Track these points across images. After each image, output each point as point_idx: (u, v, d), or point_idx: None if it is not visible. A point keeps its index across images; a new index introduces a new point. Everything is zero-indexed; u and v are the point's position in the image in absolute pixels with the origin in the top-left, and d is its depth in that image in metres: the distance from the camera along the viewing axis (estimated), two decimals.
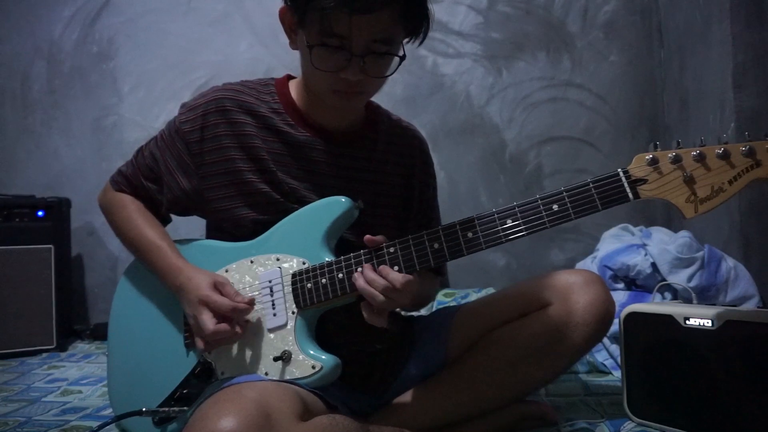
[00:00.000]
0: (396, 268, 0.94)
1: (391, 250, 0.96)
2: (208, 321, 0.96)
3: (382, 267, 0.93)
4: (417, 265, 0.94)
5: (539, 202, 0.90)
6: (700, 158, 0.83)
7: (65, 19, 2.58)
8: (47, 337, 2.10)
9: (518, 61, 2.37)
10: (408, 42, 1.00)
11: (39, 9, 2.58)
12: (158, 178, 1.12)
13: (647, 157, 0.85)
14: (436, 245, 0.93)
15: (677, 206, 0.84)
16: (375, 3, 0.89)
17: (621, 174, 0.86)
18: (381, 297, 0.91)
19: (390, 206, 1.13)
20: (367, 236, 0.95)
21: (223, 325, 0.96)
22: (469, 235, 0.92)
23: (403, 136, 1.18)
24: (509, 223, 0.91)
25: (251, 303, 0.99)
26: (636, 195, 0.85)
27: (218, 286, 1.00)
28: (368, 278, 0.92)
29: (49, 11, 2.58)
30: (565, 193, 0.89)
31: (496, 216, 0.92)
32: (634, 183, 0.86)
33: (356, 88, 0.98)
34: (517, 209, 0.91)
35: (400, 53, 0.98)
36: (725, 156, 0.81)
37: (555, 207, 0.89)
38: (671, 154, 0.84)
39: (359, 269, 0.95)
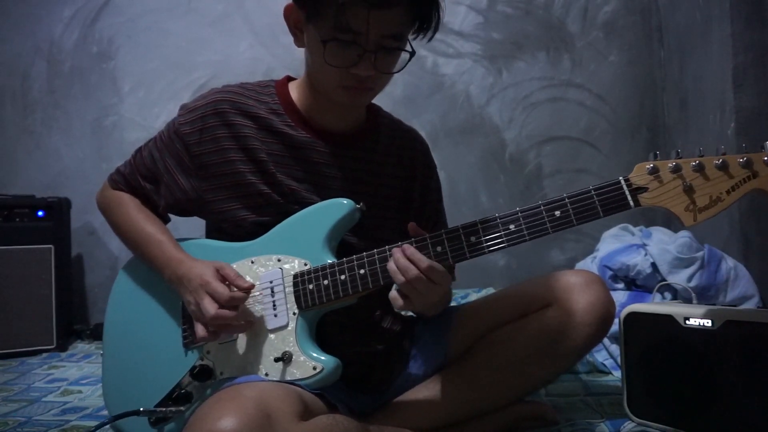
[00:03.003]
0: None
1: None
2: (209, 305, 0.95)
3: (412, 251, 0.91)
4: None
5: (542, 208, 0.91)
6: (699, 168, 0.84)
7: (65, 19, 2.58)
8: (47, 337, 2.10)
9: (518, 61, 2.37)
10: (415, 38, 1.00)
11: (39, 9, 2.58)
12: (156, 178, 1.12)
13: (648, 166, 0.87)
14: (439, 248, 0.94)
15: (677, 214, 0.86)
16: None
17: (622, 182, 0.88)
18: (402, 278, 0.89)
19: (390, 208, 1.13)
20: (412, 224, 0.95)
21: (225, 311, 0.95)
22: (472, 239, 0.93)
23: (405, 138, 1.18)
24: (512, 228, 0.92)
25: (249, 289, 0.99)
26: (637, 203, 0.87)
27: (219, 271, 1.00)
28: (395, 258, 0.91)
29: (49, 11, 2.58)
30: (567, 200, 0.90)
31: (499, 221, 0.93)
32: (635, 191, 0.87)
33: (366, 84, 0.98)
34: (520, 215, 0.92)
35: (409, 49, 0.99)
36: (723, 167, 0.83)
37: (557, 213, 0.90)
38: (671, 164, 0.85)
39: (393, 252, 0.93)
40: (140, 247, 1.10)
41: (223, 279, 0.99)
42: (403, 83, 2.37)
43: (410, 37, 1.00)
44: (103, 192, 1.19)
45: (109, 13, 2.56)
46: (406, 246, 0.92)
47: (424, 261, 0.89)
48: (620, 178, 0.88)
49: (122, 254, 2.44)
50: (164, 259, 1.05)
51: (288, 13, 1.01)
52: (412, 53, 0.98)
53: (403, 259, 0.90)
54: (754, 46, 1.65)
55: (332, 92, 1.01)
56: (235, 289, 0.98)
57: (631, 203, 0.87)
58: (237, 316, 0.97)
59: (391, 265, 0.91)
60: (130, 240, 1.13)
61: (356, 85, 0.98)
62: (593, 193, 0.88)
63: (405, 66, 1.00)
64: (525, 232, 0.91)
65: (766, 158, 0.81)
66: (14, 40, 2.59)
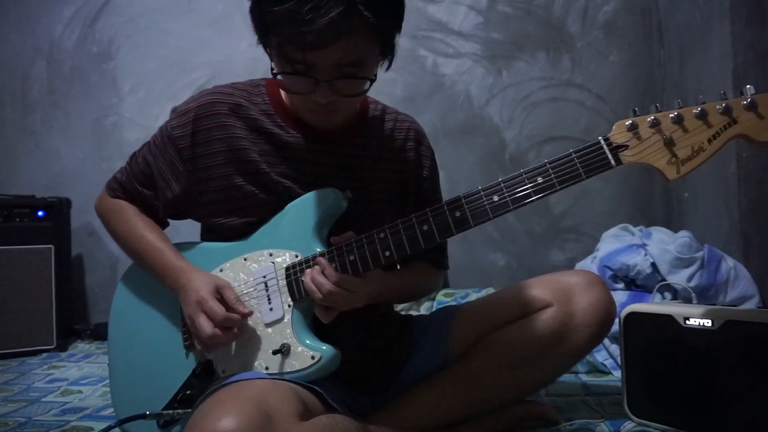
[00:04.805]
0: (387, 253, 0.96)
1: (382, 235, 0.97)
2: (206, 325, 0.97)
3: (327, 267, 0.96)
4: (408, 249, 0.95)
5: (524, 176, 0.91)
6: (678, 120, 0.84)
7: (65, 19, 2.58)
8: (47, 337, 2.10)
9: (518, 61, 2.37)
10: (381, 64, 0.98)
11: (39, 9, 2.58)
12: (152, 183, 1.12)
13: (627, 123, 0.87)
14: (425, 227, 0.95)
15: (659, 169, 0.85)
16: (326, 39, 0.85)
17: (602, 141, 0.88)
18: (318, 294, 0.95)
19: (386, 202, 1.13)
20: (333, 238, 0.99)
21: (219, 333, 0.97)
22: (457, 214, 0.93)
23: (399, 129, 1.16)
24: (495, 199, 0.92)
25: (247, 315, 1.00)
26: (618, 161, 0.87)
27: (219, 290, 1.00)
28: (311, 276, 0.97)
29: (49, 11, 2.58)
30: (548, 165, 0.90)
31: (482, 193, 0.93)
32: (616, 149, 0.87)
33: (330, 107, 0.97)
34: (502, 184, 0.92)
35: (374, 73, 0.96)
36: (702, 116, 0.83)
37: (539, 179, 0.90)
38: (650, 118, 0.85)
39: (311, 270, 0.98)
40: (140, 255, 1.11)
41: (222, 299, 0.99)
42: (403, 83, 2.37)
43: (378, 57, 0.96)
44: (102, 200, 1.19)
45: (109, 13, 2.56)
46: (320, 261, 0.97)
47: (333, 275, 0.95)
48: (600, 137, 0.88)
49: (122, 255, 2.39)
50: (164, 267, 1.06)
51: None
52: (373, 80, 0.96)
53: (318, 276, 0.95)
54: (754, 46, 1.65)
55: (301, 113, 1.02)
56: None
57: (612, 162, 0.87)
58: (231, 337, 0.99)
59: (308, 284, 0.96)
60: (129, 248, 1.13)
61: (319, 109, 0.97)
62: (574, 155, 0.89)
63: (368, 89, 0.97)
64: (508, 200, 0.91)
65: (745, 103, 0.80)
66: (14, 40, 2.59)
